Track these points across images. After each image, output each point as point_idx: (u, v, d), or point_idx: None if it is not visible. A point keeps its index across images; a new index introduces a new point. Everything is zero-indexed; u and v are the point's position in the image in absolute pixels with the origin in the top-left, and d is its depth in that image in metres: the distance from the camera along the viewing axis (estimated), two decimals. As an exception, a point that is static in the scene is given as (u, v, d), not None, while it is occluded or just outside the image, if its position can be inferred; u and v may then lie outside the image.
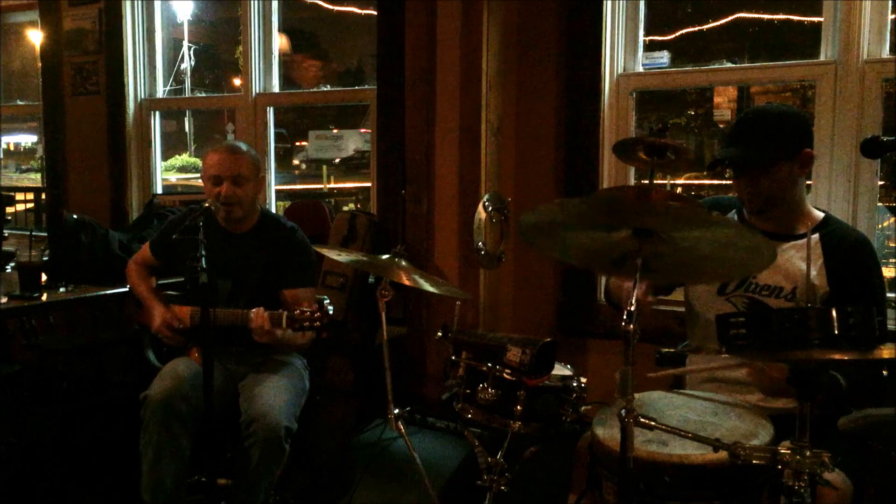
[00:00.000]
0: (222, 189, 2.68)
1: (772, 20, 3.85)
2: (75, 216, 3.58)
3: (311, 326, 2.48)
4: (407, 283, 2.18)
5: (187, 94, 6.53)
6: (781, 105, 2.22)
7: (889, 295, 2.73)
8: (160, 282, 2.95)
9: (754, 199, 2.10)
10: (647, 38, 3.18)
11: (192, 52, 6.92)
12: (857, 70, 2.71)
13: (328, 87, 4.48)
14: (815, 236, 2.07)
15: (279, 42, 4.23)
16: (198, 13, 6.81)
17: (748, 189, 2.09)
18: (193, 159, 7.35)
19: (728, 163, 2.12)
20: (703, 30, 3.67)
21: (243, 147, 2.81)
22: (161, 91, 4.63)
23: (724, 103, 4.13)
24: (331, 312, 2.51)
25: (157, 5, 4.56)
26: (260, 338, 2.54)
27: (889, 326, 2.62)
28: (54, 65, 4.72)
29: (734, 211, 2.25)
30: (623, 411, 1.50)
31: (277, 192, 4.45)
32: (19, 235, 4.01)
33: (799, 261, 2.07)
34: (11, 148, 8.29)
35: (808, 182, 2.83)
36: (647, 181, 1.78)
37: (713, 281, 2.16)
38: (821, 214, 2.15)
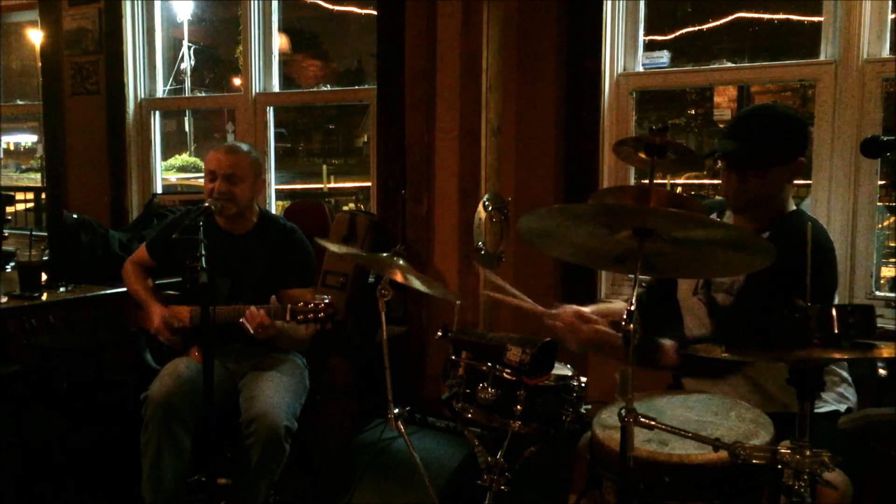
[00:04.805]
0: (216, 185, 2.70)
1: (772, 20, 3.84)
2: (75, 216, 3.58)
3: (315, 318, 2.49)
4: (400, 280, 2.18)
5: (187, 93, 6.52)
6: (785, 108, 2.19)
7: (889, 295, 2.73)
8: (158, 282, 2.95)
9: (739, 195, 2.08)
10: (647, 38, 3.18)
11: (192, 52, 6.91)
12: (857, 70, 2.71)
13: (328, 87, 4.47)
14: (767, 234, 2.04)
15: (279, 42, 4.23)
16: (198, 13, 6.79)
17: (736, 185, 2.07)
18: (193, 159, 7.34)
19: (722, 156, 2.09)
20: (703, 30, 3.67)
21: (244, 148, 2.83)
22: (161, 91, 4.63)
23: (724, 103, 4.12)
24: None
25: (157, 5, 4.56)
26: (258, 334, 2.55)
27: (889, 327, 2.63)
28: (54, 65, 4.73)
29: (715, 213, 2.24)
30: (623, 411, 1.50)
31: (277, 191, 4.45)
32: (19, 235, 4.01)
33: None
34: (11, 148, 8.29)
35: (808, 182, 2.83)
36: (647, 181, 1.78)
37: (713, 277, 2.16)
38: (793, 209, 2.12)
